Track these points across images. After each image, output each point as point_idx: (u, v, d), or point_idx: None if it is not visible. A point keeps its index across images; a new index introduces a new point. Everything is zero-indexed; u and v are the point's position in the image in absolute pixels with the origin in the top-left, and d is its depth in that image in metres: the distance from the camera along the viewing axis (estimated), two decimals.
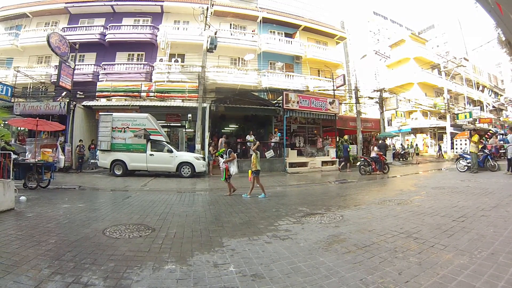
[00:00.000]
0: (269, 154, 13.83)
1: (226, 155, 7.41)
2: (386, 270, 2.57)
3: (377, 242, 3.35)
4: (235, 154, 7.57)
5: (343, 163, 14.20)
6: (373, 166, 11.11)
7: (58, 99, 14.50)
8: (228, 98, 14.90)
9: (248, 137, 13.93)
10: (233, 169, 7.27)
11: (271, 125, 15.49)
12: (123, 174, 11.31)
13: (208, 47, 13.72)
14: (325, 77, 21.17)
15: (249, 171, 7.17)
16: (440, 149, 23.60)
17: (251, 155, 7.86)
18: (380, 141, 15.75)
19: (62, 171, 11.21)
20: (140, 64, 18.32)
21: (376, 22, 45.14)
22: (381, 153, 11.95)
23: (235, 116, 17.22)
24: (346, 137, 18.52)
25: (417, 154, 20.19)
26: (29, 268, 2.67)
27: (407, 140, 27.71)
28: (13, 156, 6.70)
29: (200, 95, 13.64)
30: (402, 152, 21.12)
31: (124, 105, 15.15)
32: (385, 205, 5.45)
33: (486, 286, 2.21)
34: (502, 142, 15.14)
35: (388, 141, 17.60)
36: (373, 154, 11.56)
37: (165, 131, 13.85)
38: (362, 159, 11.40)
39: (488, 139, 17.26)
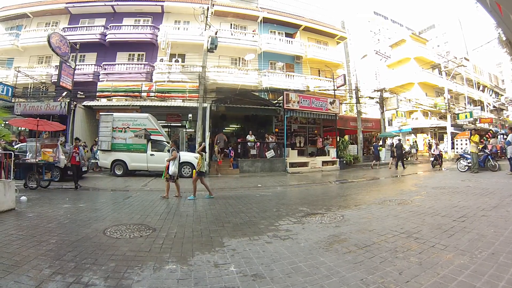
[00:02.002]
0: (270, 154, 13.83)
1: (170, 153, 6.91)
2: (386, 270, 2.57)
3: (377, 242, 3.35)
4: (177, 153, 6.89)
5: (374, 161, 15.68)
6: (439, 161, 13.97)
7: (58, 99, 14.51)
8: (229, 98, 14.88)
9: (249, 137, 13.92)
10: (173, 169, 6.70)
11: (272, 125, 15.48)
12: (123, 174, 11.33)
13: (208, 47, 13.71)
14: (326, 77, 21.13)
15: (193, 171, 6.79)
16: (430, 147, 23.48)
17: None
18: (396, 142, 16.05)
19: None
20: (141, 64, 18.31)
21: (376, 22, 45.09)
22: (441, 150, 14.98)
23: (236, 116, 17.22)
24: (346, 137, 18.52)
25: (416, 150, 20.81)
26: (30, 268, 2.67)
27: (408, 140, 27.69)
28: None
29: (200, 95, 13.64)
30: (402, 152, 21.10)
31: (124, 105, 15.17)
32: (386, 205, 5.45)
33: (486, 286, 2.20)
34: (502, 142, 15.08)
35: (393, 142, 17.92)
36: (437, 152, 14.21)
37: (165, 131, 13.86)
38: (434, 156, 14.45)
39: (489, 139, 17.23)
